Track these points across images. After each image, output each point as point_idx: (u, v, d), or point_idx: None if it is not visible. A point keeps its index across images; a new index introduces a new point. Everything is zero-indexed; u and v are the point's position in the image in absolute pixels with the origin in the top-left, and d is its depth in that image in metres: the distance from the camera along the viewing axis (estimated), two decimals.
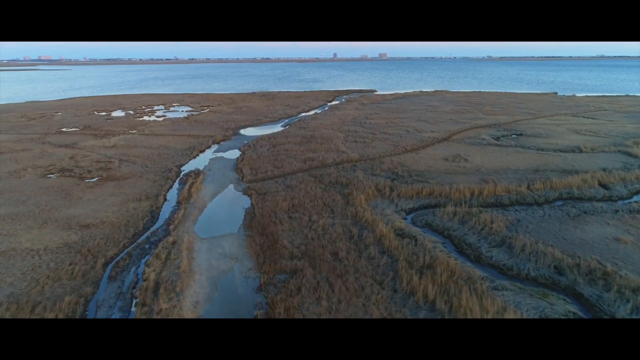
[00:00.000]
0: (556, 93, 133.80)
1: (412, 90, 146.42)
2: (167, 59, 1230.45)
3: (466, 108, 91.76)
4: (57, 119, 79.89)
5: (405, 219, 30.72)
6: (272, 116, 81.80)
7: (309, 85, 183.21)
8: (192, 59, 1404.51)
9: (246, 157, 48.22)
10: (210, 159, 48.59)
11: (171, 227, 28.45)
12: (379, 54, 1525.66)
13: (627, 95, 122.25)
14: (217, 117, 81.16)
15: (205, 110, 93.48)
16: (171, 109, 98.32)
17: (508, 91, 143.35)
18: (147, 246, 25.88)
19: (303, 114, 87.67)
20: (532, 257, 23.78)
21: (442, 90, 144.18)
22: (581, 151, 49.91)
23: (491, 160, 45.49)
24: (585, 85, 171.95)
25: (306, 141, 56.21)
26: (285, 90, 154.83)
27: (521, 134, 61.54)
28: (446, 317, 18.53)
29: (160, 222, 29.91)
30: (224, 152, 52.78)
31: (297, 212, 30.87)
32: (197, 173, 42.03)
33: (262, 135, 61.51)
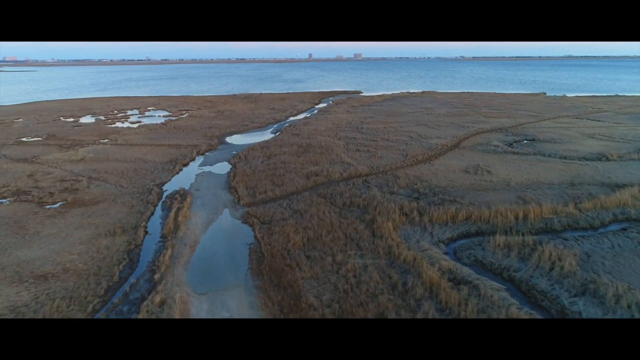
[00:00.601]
0: (545, 93, 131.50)
1: (399, 92, 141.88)
2: (139, 60, 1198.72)
3: (462, 110, 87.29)
4: (16, 127, 71.20)
5: (447, 253, 25.07)
6: (259, 121, 75.18)
7: (290, 86, 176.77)
8: (165, 59, 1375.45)
9: (239, 171, 41.74)
10: (197, 175, 41.88)
11: (156, 276, 21.91)
12: (354, 54, 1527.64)
13: (618, 95, 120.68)
14: (199, 123, 74.04)
15: (185, 115, 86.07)
16: (147, 113, 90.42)
17: (496, 92, 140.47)
18: (125, 309, 19.31)
19: (292, 118, 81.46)
20: (635, 311, 18.41)
21: (429, 91, 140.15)
22: (608, 159, 45.47)
23: (517, 173, 40.39)
24: (569, 85, 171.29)
25: (304, 151, 50.08)
26: (267, 91, 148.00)
27: (533, 139, 57.04)
28: None
29: (141, 267, 23.32)
30: (211, 165, 46.12)
31: (315, 248, 24.78)
32: (182, 194, 35.35)
33: (253, 144, 55.02)
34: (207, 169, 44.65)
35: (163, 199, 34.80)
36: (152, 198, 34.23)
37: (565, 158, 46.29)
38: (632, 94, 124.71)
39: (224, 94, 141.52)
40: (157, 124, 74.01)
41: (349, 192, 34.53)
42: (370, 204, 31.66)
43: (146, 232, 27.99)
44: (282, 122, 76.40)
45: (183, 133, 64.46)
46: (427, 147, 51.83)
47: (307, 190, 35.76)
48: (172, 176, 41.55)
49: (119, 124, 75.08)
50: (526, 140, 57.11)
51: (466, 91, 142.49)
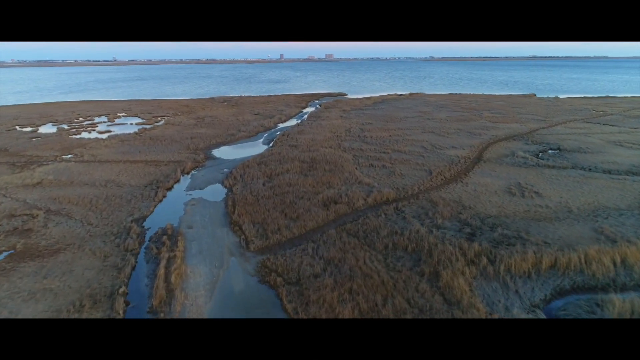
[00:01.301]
0: (535, 95, 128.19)
1: (385, 93, 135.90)
2: (105, 61, 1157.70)
3: (463, 114, 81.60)
4: None
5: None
6: (246, 130, 67.11)
7: (270, 88, 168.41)
8: (133, 60, 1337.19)
9: (238, 198, 33.93)
10: (186, 204, 33.79)
11: None
12: (326, 55, 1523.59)
13: (609, 96, 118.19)
14: (178, 132, 65.42)
15: (161, 122, 77.00)
16: (117, 121, 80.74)
17: (484, 93, 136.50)
18: None
19: (282, 125, 73.77)
20: None
21: (417, 93, 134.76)
22: None
23: (571, 194, 34.19)
24: (552, 85, 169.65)
25: (309, 167, 42.66)
26: (247, 94, 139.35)
27: (559, 149, 51.40)
28: None
29: None
30: (201, 189, 38.06)
31: None
32: (171, 236, 27.36)
33: (246, 159, 47.15)
34: (196, 194, 36.58)
35: (146, 242, 26.73)
36: (131, 242, 26.09)
37: (609, 172, 40.56)
38: (622, 95, 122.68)
39: (201, 96, 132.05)
40: (129, 133, 64.87)
41: (385, 228, 27.37)
42: (420, 247, 24.62)
43: (127, 304, 19.98)
44: (273, 130, 68.60)
45: (161, 145, 55.83)
46: (448, 160, 45.30)
47: (331, 226, 28.40)
48: (154, 206, 33.35)
49: (85, 135, 65.53)
50: (551, 150, 51.38)
51: (454, 92, 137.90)
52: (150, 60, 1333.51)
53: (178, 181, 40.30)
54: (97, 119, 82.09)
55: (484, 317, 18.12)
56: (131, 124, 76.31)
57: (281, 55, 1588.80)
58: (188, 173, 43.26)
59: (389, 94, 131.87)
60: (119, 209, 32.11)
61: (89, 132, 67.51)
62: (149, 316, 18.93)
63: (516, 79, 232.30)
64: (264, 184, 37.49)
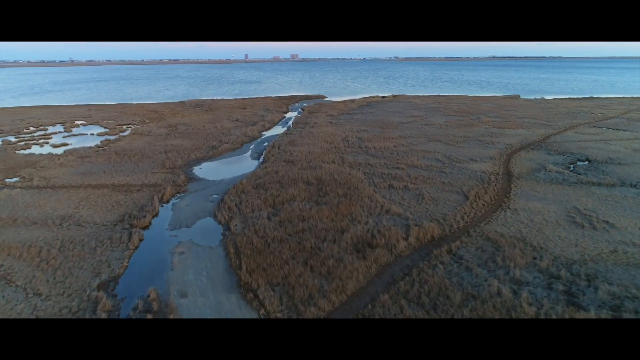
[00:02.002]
0: (519, 96, 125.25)
1: (367, 95, 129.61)
2: (61, 61, 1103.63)
3: (461, 119, 76.03)
4: None
5: None
6: (228, 140, 58.66)
7: (242, 90, 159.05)
8: (91, 60, 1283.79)
9: (241, 242, 25.95)
10: (172, 253, 25.44)
11: None
12: (291, 55, 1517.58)
13: (593, 97, 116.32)
14: (149, 145, 56.28)
15: (127, 132, 67.29)
16: (75, 130, 70.26)
17: (466, 94, 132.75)
18: None
19: (267, 134, 65.75)
20: None
21: (399, 95, 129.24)
22: None
23: None
24: (526, 85, 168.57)
25: (318, 191, 35.13)
26: (219, 97, 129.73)
27: (587, 160, 46.09)
28: None
29: None
30: (188, 226, 29.73)
31: None
32: (158, 312, 19.19)
33: (237, 180, 39.04)
34: (184, 235, 28.26)
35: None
36: None
37: None
38: (605, 95, 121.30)
39: (169, 100, 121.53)
40: (90, 147, 55.13)
41: (453, 289, 20.27)
42: None
43: None
44: (259, 140, 60.49)
45: (130, 162, 46.77)
46: (476, 178, 38.87)
47: (378, 285, 21.02)
48: (129, 257, 24.92)
49: (35, 149, 55.25)
50: (580, 161, 45.97)
51: (437, 94, 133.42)
52: (109, 61, 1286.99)
53: (156, 214, 31.79)
54: (51, 129, 71.24)
55: None
56: (92, 134, 66.18)
57: (246, 56, 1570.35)
58: (168, 201, 34.77)
59: (370, 96, 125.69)
60: (80, 265, 23.51)
61: (41, 146, 57.18)
62: None
63: (488, 79, 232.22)
64: (269, 218, 29.60)
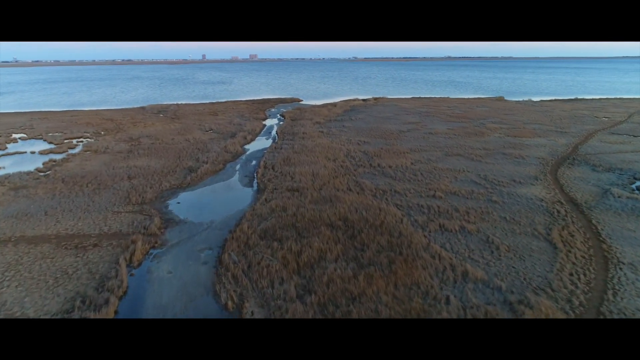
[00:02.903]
0: (503, 97, 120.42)
1: (345, 98, 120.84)
2: (4, 62, 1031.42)
3: (465, 126, 68.62)
4: None
5: None
6: (207, 159, 47.92)
7: (208, 93, 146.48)
8: (37, 61, 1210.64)
9: None
10: None
11: None
12: (250, 55, 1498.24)
13: (578, 99, 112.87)
14: (107, 167, 44.77)
15: (77, 149, 55.07)
16: (11, 147, 57.08)
17: (449, 96, 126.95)
18: None
19: (251, 148, 55.53)
20: None
21: (381, 97, 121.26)
22: None
23: None
24: (498, 85, 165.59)
25: (353, 241, 25.63)
26: (184, 101, 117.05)
27: None
28: None
29: None
30: (176, 313, 19.38)
31: None
32: None
33: (236, 224, 28.89)
34: None
35: None
36: None
37: None
38: (590, 97, 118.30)
39: (127, 106, 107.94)
40: (29, 173, 42.90)
41: None
42: None
43: None
44: (244, 158, 50.11)
45: (83, 195, 35.47)
46: (540, 210, 30.69)
47: None
48: None
49: None
50: (637, 180, 38.84)
51: (419, 96, 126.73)
52: (57, 61, 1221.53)
53: (125, 292, 21.20)
54: None
55: None
56: (33, 152, 53.43)
57: (203, 56, 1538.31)
58: (139, 264, 24.18)
59: (350, 99, 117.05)
60: None
61: None
62: None
63: (455, 79, 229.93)
64: (300, 298, 19.78)
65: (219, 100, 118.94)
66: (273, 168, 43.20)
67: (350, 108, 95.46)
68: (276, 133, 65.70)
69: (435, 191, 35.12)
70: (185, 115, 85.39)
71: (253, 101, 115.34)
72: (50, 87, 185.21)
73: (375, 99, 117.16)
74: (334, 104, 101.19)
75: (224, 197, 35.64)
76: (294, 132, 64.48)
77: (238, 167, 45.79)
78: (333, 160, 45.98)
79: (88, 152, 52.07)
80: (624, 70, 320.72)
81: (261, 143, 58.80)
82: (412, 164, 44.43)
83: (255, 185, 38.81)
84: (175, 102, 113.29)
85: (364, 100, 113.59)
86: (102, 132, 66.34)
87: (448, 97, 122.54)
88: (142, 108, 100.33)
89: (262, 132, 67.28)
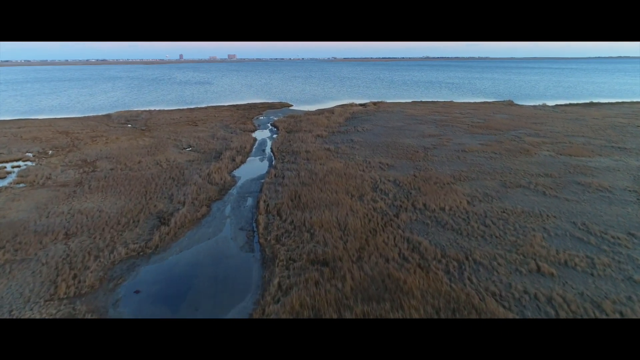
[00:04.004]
0: (512, 101, 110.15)
1: (341, 102, 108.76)
2: None
3: (499, 140, 57.21)
4: None
5: None
6: (185, 198, 34.70)
7: (185, 97, 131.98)
8: (6, 61, 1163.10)
9: None
10: None
11: None
12: (228, 55, 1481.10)
13: (593, 102, 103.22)
14: (38, 212, 31.24)
15: (8, 179, 41.14)
16: None
17: (445, 99, 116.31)
18: None
19: (242, 175, 42.60)
20: None
21: (379, 102, 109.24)
22: None
23: None
24: (500, 88, 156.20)
25: None
26: (159, 107, 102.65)
27: None
28: None
29: None
30: None
31: None
32: None
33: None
34: None
35: None
36: None
37: None
38: (604, 100, 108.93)
39: (92, 113, 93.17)
40: None
41: None
42: None
43: None
44: (235, 192, 37.09)
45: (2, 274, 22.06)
46: None
47: None
48: None
49: None
50: None
51: (420, 100, 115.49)
52: (28, 61, 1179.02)
53: None
54: None
55: None
56: None
57: (181, 56, 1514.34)
58: None
59: (345, 104, 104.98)
60: None
61: None
62: None
63: (444, 79, 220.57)
64: None
65: (199, 106, 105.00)
66: (279, 214, 30.44)
67: (351, 115, 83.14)
68: (272, 151, 52.89)
69: (534, 259, 23.05)
70: (158, 126, 71.59)
71: (237, 106, 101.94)
72: (10, 89, 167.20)
73: (374, 103, 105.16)
74: (331, 111, 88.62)
75: (211, 280, 22.64)
76: (293, 149, 51.74)
77: (228, 210, 32.76)
78: (359, 198, 33.50)
79: (21, 186, 38.25)
80: (611, 71, 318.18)
81: (255, 167, 45.93)
82: (468, 203, 32.32)
83: (257, 249, 25.95)
84: (148, 109, 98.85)
85: (362, 105, 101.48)
86: (50, 152, 52.27)
87: (452, 102, 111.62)
88: (108, 116, 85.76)
89: (253, 150, 54.30)
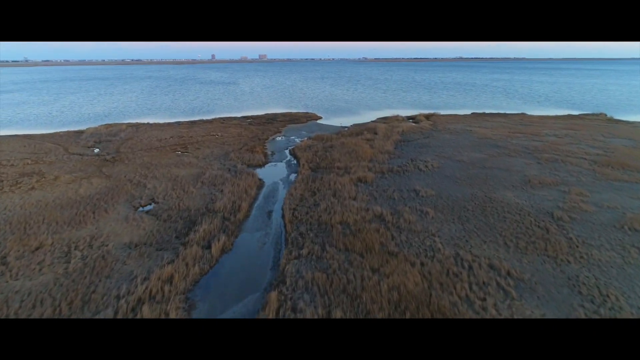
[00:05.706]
0: (605, 114, 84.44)
1: (380, 114, 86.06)
2: (14, 61, 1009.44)
3: (610, 174, 33.10)
4: None
5: None
6: None
7: (195, 105, 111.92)
8: (47, 60, 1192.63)
9: None
10: None
11: None
12: (259, 55, 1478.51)
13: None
14: None
15: None
16: None
17: (524, 112, 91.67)
18: None
19: (208, 307, 20.43)
20: None
21: (432, 115, 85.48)
22: None
23: None
24: (567, 95, 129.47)
25: None
26: (154, 119, 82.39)
27: None
28: None
29: None
30: None
31: None
32: None
33: None
34: None
35: None
36: None
37: None
38: None
39: (64, 127, 73.73)
40: None
41: None
42: None
43: None
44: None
45: None
46: None
47: None
48: None
49: None
50: None
51: (480, 112, 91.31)
52: (67, 61, 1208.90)
53: None
54: None
55: None
56: None
57: (213, 56, 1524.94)
58: None
59: (388, 116, 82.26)
60: None
61: None
62: None
63: (489, 82, 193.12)
64: None
65: (204, 118, 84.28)
66: None
67: (402, 137, 60.19)
68: (282, 218, 30.76)
69: None
70: (131, 154, 50.79)
71: (251, 119, 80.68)
72: (8, 94, 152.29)
73: (427, 117, 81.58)
74: (373, 129, 65.76)
75: None
76: (320, 217, 29.48)
77: None
78: None
79: None
80: None
81: (239, 277, 23.80)
82: None
83: None
84: (139, 121, 78.72)
85: (412, 120, 78.12)
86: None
87: (525, 114, 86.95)
88: (79, 133, 65.79)
89: (251, 215, 32.18)
